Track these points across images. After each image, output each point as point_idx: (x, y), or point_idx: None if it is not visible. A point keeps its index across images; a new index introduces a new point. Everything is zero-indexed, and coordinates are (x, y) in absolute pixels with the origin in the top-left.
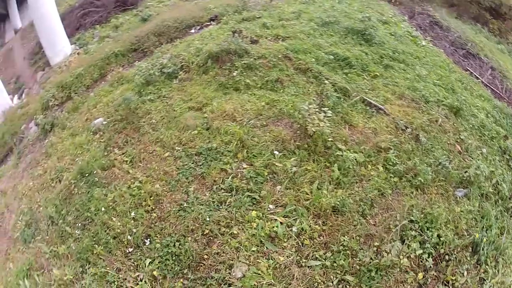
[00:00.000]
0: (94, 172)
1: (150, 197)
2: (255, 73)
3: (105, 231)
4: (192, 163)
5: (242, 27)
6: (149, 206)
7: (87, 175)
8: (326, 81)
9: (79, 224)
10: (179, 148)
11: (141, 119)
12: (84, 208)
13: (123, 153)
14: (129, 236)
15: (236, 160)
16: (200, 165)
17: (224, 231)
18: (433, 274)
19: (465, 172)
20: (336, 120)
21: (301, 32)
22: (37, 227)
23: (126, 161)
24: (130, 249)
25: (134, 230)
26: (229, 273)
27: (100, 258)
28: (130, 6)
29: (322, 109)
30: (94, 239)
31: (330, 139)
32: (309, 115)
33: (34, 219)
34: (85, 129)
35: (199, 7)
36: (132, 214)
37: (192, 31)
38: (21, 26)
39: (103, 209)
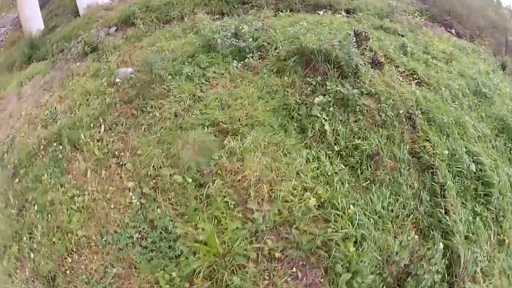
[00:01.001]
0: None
1: None
2: (353, 118)
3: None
4: None
5: (373, 34)
6: None
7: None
8: None
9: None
10: None
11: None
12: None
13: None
14: None
15: None
16: None
17: None
18: None
19: None
20: None
21: (447, 87)
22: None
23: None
24: None
25: None
26: None
27: None
28: None
29: None
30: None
31: None
32: None
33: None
34: (108, 72)
35: None
36: None
37: (321, 13)
38: None
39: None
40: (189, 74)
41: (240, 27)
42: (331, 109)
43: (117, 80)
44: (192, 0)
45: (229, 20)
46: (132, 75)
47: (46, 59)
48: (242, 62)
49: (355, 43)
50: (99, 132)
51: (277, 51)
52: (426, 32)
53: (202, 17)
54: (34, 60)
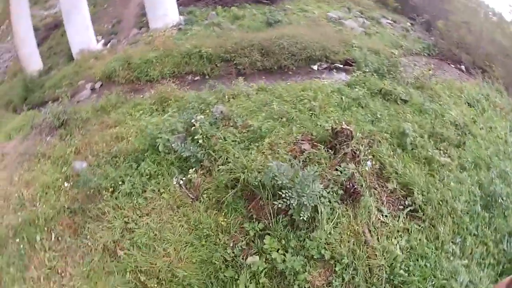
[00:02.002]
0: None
1: None
2: None
3: None
4: None
5: (367, 107)
6: None
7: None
8: None
9: None
10: None
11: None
12: None
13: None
14: None
15: None
16: None
17: None
18: None
19: None
20: None
21: (451, 214)
22: None
23: None
24: None
25: None
26: None
27: None
28: (266, 0)
29: None
30: None
31: None
32: None
33: None
34: (67, 163)
35: (339, 37)
36: None
37: (315, 68)
38: None
39: None
40: (128, 190)
41: (193, 120)
42: (262, 280)
43: (68, 184)
44: (172, 58)
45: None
46: (85, 172)
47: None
48: (184, 177)
49: (330, 150)
50: (50, 239)
51: (222, 168)
52: (434, 88)
53: (173, 88)
54: (27, 106)
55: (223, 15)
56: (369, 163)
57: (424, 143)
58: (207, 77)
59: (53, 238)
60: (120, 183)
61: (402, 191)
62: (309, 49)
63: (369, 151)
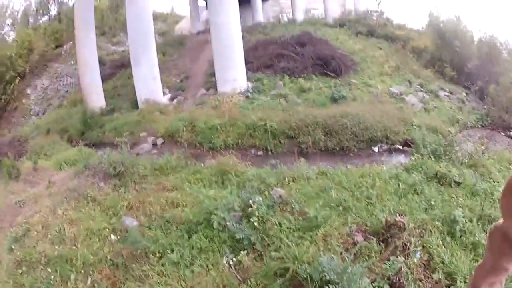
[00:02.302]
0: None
1: None
2: None
3: None
4: None
5: (423, 194)
6: None
7: None
8: None
9: None
10: None
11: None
12: None
13: None
14: None
15: None
16: None
17: None
18: None
19: None
20: None
21: None
22: None
23: None
24: None
25: None
26: None
27: None
28: (332, 73)
29: None
30: None
31: None
32: None
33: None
34: (114, 215)
35: (400, 115)
36: None
37: (375, 150)
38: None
39: None
40: (176, 260)
41: (251, 201)
42: None
43: (114, 237)
44: (237, 128)
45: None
46: (135, 230)
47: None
48: (235, 258)
49: (382, 243)
50: (86, 283)
51: (274, 255)
52: (486, 164)
53: (235, 162)
54: (83, 141)
55: (290, 86)
56: (418, 254)
57: (472, 228)
58: (270, 153)
59: (88, 283)
60: (169, 251)
61: (446, 280)
62: (371, 129)
63: (419, 242)
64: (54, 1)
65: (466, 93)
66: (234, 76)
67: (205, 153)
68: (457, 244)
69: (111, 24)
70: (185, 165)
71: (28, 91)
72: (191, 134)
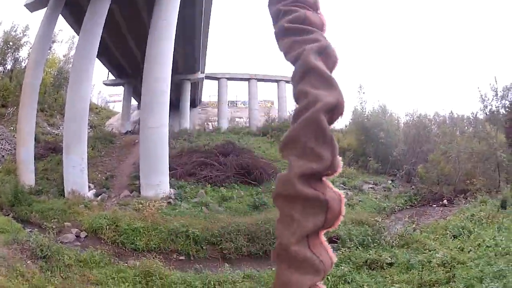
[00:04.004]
0: None
1: None
2: None
3: None
4: None
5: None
6: None
7: None
8: None
9: None
10: None
11: None
12: None
13: None
14: None
15: None
16: None
17: None
18: None
19: None
20: None
21: None
22: None
23: None
24: None
25: None
26: None
27: None
28: (254, 181)
29: None
30: None
31: None
32: None
33: None
34: None
35: None
36: None
37: None
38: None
39: None
40: None
41: None
42: None
43: None
44: (160, 233)
45: None
46: None
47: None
48: None
49: None
50: None
51: None
52: (419, 239)
53: (158, 264)
54: (12, 213)
55: (212, 195)
56: None
57: None
58: (192, 258)
59: None
60: None
61: None
62: None
63: None
64: (12, 55)
65: (392, 180)
66: (158, 181)
67: (128, 252)
68: None
69: (50, 103)
70: (109, 262)
71: None
72: (114, 233)
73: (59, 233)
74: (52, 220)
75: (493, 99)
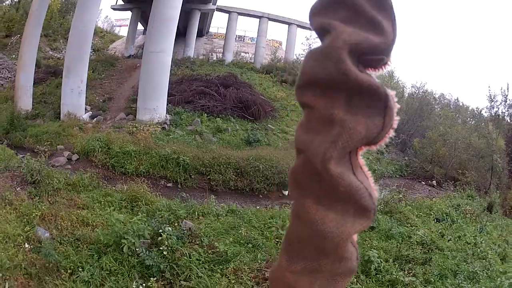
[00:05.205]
0: None
1: None
2: None
3: None
4: None
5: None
6: None
7: None
8: None
9: None
10: None
11: None
12: None
13: None
14: None
15: None
16: None
17: None
18: None
19: None
20: None
21: None
22: None
23: None
24: None
25: None
26: None
27: None
28: (250, 117)
29: None
30: None
31: None
32: None
33: None
34: (28, 223)
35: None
36: None
37: (285, 193)
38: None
39: None
40: (86, 278)
41: (161, 230)
42: None
43: (28, 245)
44: (150, 158)
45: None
46: (47, 243)
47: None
48: (144, 283)
49: None
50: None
51: (184, 284)
52: (403, 211)
53: (146, 190)
54: (6, 141)
55: (207, 124)
56: None
57: (388, 267)
58: (179, 186)
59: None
60: (80, 269)
61: None
62: (283, 174)
63: None
64: None
65: (387, 145)
66: (155, 106)
67: (117, 176)
68: (372, 281)
69: (55, 28)
70: (97, 186)
71: None
72: (105, 156)
73: (51, 157)
74: (45, 144)
75: (501, 103)
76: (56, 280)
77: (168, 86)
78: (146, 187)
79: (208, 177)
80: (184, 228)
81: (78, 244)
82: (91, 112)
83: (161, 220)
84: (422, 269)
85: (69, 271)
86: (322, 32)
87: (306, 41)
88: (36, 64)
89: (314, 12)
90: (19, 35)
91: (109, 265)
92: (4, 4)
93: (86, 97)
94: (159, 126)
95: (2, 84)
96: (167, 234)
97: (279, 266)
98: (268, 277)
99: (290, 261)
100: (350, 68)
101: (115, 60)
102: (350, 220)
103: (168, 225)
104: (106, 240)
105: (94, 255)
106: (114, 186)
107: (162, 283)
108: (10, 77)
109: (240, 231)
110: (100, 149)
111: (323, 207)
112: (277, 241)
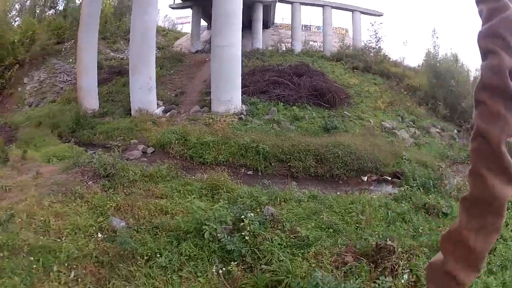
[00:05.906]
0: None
1: None
2: None
3: None
4: None
5: (411, 222)
6: None
7: None
8: None
9: None
10: None
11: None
12: None
13: None
14: None
15: None
16: None
17: None
18: None
19: None
20: None
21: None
22: None
23: None
24: None
25: None
26: None
27: None
28: (326, 104)
29: None
30: None
31: None
32: None
33: None
34: (101, 214)
35: (391, 149)
36: None
37: (365, 179)
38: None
39: None
40: (164, 264)
41: (243, 216)
42: None
43: (101, 235)
44: (229, 147)
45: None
46: (123, 231)
47: (82, 147)
48: (225, 268)
49: (371, 264)
50: (68, 276)
51: (265, 268)
52: None
53: (226, 178)
54: (74, 139)
55: (284, 113)
56: (406, 276)
57: None
58: (260, 174)
59: (71, 276)
60: (158, 255)
61: None
62: (362, 160)
63: (407, 265)
64: None
65: (458, 131)
66: (229, 97)
67: (195, 166)
68: None
69: (113, 31)
70: (176, 176)
71: (25, 80)
72: (182, 148)
73: (125, 151)
74: (118, 139)
75: None
76: (130, 267)
77: (241, 78)
78: (227, 175)
79: (288, 164)
80: (267, 214)
81: (156, 232)
82: (163, 107)
83: (242, 206)
84: (488, 259)
85: (145, 257)
86: (486, 51)
87: (372, 27)
88: (98, 66)
89: (481, 37)
90: (72, 41)
91: (189, 251)
92: (48, 14)
93: (157, 93)
94: (235, 117)
95: (62, 87)
96: (249, 220)
97: (459, 224)
98: (441, 239)
99: (468, 220)
100: (508, 82)
101: (182, 56)
102: (507, 187)
103: (250, 211)
104: (187, 227)
105: (173, 242)
106: (194, 176)
107: (242, 267)
108: (69, 80)
109: (322, 216)
110: (176, 141)
111: (493, 177)
112: (357, 226)
